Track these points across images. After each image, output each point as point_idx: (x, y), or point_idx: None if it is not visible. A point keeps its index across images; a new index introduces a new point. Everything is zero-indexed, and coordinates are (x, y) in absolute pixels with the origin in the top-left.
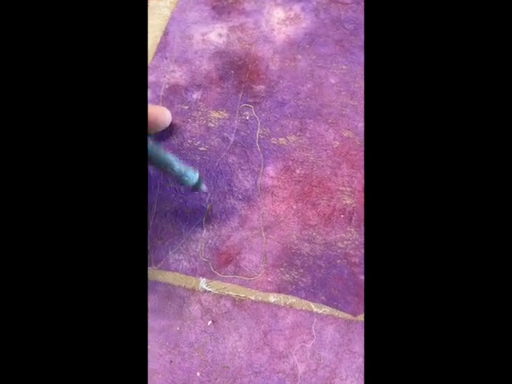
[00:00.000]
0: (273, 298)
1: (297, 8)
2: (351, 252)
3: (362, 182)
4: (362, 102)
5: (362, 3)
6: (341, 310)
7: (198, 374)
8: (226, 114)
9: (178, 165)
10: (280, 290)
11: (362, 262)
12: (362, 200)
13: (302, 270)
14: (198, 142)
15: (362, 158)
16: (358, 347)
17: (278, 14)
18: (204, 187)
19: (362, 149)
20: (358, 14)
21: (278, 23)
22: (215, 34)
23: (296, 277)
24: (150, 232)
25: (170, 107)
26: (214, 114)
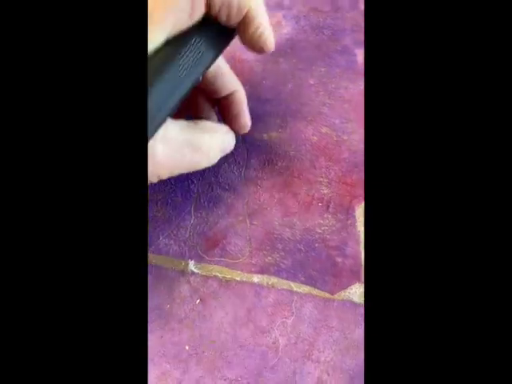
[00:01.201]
0: (256, 278)
1: (279, 15)
2: (328, 236)
3: (339, 173)
4: (339, 100)
5: (340, 11)
6: (319, 288)
7: (187, 347)
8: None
9: None
10: (263, 271)
11: (339, 245)
12: (338, 189)
13: (283, 253)
14: None
15: (339, 151)
16: (335, 322)
17: None
18: None
19: (338, 143)
20: (335, 20)
21: None
22: None
23: (278, 259)
24: None
25: None
26: None
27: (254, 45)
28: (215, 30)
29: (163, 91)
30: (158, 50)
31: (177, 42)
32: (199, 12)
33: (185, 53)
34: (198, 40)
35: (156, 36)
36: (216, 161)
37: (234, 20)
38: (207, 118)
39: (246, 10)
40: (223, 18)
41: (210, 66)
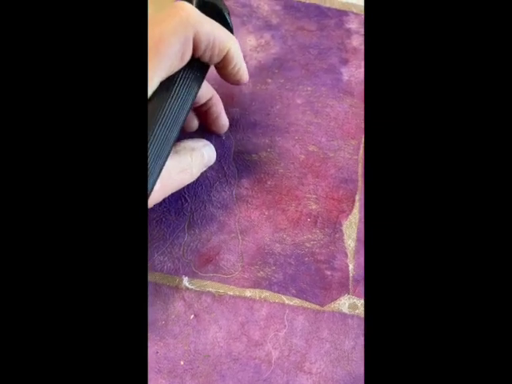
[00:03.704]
0: (249, 292)
1: (267, 36)
2: (317, 250)
3: (326, 189)
4: (325, 119)
5: (326, 30)
6: (309, 301)
7: (182, 362)
8: (204, 135)
9: None
10: (255, 285)
11: (327, 258)
12: (326, 205)
13: (274, 268)
14: None
15: (325, 168)
16: (326, 334)
17: (250, 41)
18: None
19: (325, 160)
20: (321, 39)
21: (250, 50)
22: None
23: (269, 273)
24: None
25: None
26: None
27: (232, 79)
28: (197, 65)
29: (163, 133)
30: (152, 93)
31: (167, 83)
32: (188, 55)
33: (175, 92)
34: (184, 77)
35: (153, 80)
36: (198, 175)
37: (216, 60)
38: (191, 127)
39: (226, 51)
40: (207, 58)
41: (195, 97)
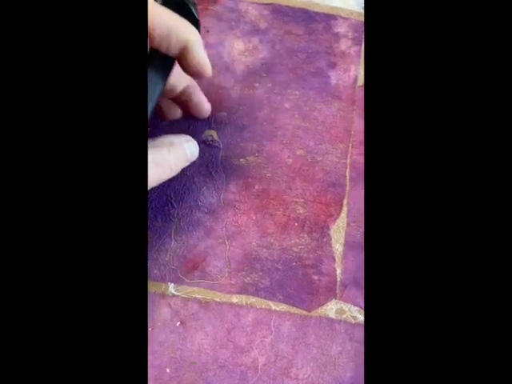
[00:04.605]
0: (235, 298)
1: (255, 40)
2: (305, 255)
3: (314, 193)
4: (313, 123)
5: (314, 34)
6: (296, 306)
7: (168, 370)
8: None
9: None
10: (242, 291)
11: (315, 263)
12: (314, 209)
13: (261, 273)
14: None
15: (313, 172)
16: (312, 339)
17: (239, 46)
18: None
19: (313, 164)
20: (309, 43)
21: (238, 54)
22: None
23: (256, 279)
24: None
25: None
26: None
27: (191, 70)
28: (157, 56)
29: None
30: None
31: None
32: None
33: None
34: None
35: None
36: (179, 171)
37: (174, 51)
38: (173, 114)
39: (184, 43)
40: (164, 49)
41: (160, 94)
